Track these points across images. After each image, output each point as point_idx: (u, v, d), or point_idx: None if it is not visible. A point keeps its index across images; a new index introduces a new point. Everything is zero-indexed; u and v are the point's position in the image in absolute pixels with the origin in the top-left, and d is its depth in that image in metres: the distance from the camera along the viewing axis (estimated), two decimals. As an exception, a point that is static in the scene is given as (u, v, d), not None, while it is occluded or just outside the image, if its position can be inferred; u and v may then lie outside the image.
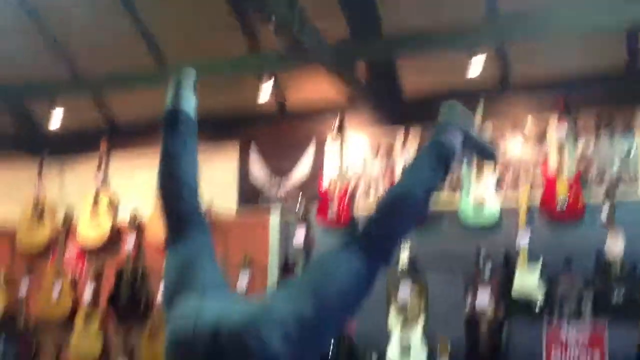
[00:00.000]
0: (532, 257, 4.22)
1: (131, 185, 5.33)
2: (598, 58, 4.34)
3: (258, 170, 5.11)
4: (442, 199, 4.52)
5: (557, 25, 3.93)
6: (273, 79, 4.58)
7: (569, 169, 4.28)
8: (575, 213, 4.23)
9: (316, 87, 4.82)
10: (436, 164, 1.98)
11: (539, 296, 4.16)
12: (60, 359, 5.21)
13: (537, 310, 4.15)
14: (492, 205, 4.40)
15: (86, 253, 5.38)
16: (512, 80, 4.58)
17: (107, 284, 5.19)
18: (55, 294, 5.22)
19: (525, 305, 4.17)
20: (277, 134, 5.11)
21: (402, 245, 4.42)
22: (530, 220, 4.29)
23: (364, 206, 4.70)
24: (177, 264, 2.01)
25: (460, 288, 4.38)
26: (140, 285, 5.05)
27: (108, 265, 5.24)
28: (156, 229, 5.02)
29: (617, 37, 4.26)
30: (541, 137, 4.44)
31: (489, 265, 4.27)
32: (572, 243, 4.22)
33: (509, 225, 4.34)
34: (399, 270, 4.46)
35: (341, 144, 4.80)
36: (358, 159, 4.85)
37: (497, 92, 4.57)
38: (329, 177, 4.81)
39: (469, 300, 4.31)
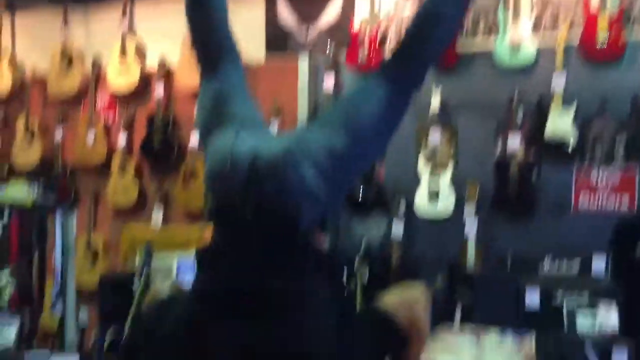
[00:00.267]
0: (566, 101, 4.13)
1: (158, 31, 5.23)
2: None
3: (286, 15, 4.96)
4: (475, 41, 4.37)
5: None
6: None
7: (612, 4, 4.07)
8: (615, 51, 4.07)
9: None
10: None
11: (571, 139, 4.11)
12: (99, 205, 5.39)
13: (569, 151, 4.11)
14: (529, 46, 4.25)
15: (117, 100, 5.41)
16: None
17: (139, 131, 5.25)
18: (89, 141, 5.31)
19: (557, 149, 4.13)
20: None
21: (431, 86, 4.35)
22: (567, 61, 4.16)
23: (395, 50, 4.57)
24: (212, 97, 2.00)
25: (491, 133, 4.35)
26: (171, 132, 5.10)
27: (139, 113, 5.28)
28: (185, 76, 5.00)
29: None
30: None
31: (521, 109, 4.21)
32: (609, 85, 4.11)
33: (545, 67, 4.22)
34: (429, 115, 4.42)
35: (373, -16, 4.61)
36: (390, 0, 4.67)
37: None
38: (359, 19, 4.66)
39: (499, 145, 4.29)
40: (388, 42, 4.62)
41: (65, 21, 5.43)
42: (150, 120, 5.14)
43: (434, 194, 4.41)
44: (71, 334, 5.10)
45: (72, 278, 5.13)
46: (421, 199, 4.44)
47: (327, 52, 4.71)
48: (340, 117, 1.84)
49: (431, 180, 4.42)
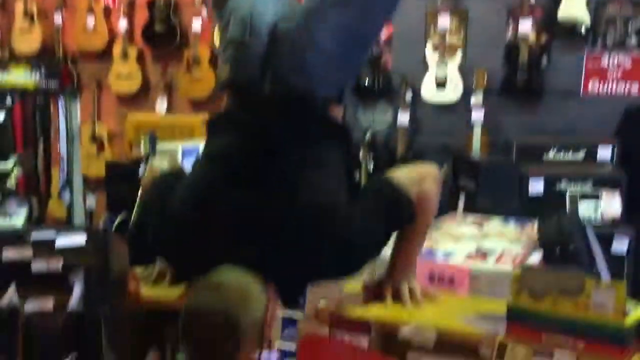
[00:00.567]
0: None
1: None
2: None
3: None
4: None
5: None
6: None
7: None
8: None
9: None
10: None
11: (585, 21, 3.99)
12: (102, 90, 5.32)
13: (582, 33, 4.01)
14: None
15: (116, -18, 5.24)
16: None
17: (140, 16, 5.12)
18: (89, 26, 5.18)
19: (569, 31, 4.02)
20: None
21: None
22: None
23: None
24: None
25: (503, 18, 4.22)
26: (174, 17, 4.96)
27: (139, -4, 5.13)
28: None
29: None
30: None
31: (534, -9, 4.07)
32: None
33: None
34: (439, -1, 4.28)
35: None
36: None
37: None
38: None
39: (510, 29, 4.17)
40: None
41: None
42: (151, 5, 4.99)
43: (442, 81, 4.33)
44: (79, 219, 5.19)
45: (77, 165, 5.16)
46: (428, 86, 4.36)
47: None
48: None
49: (439, 69, 4.33)
